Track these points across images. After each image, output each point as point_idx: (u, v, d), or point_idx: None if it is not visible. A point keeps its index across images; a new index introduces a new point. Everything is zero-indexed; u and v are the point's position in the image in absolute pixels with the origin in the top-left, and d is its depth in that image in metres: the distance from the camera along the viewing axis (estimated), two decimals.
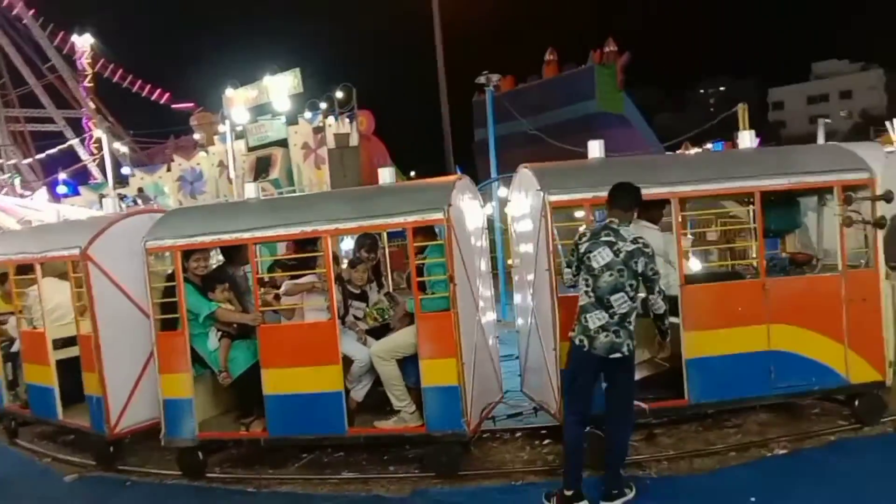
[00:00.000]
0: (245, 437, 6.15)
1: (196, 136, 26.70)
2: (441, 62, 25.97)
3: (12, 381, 7.83)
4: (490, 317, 6.58)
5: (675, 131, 25.51)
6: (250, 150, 25.51)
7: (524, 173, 6.27)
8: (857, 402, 5.97)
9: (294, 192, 25.21)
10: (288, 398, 5.89)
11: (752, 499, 4.81)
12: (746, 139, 6.42)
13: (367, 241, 6.32)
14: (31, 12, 28.81)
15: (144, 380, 6.48)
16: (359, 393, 6.18)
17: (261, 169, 25.65)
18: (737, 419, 6.20)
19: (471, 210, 6.25)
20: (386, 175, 6.43)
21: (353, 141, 24.76)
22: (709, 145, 23.72)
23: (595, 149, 6.28)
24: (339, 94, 24.69)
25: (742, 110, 16.96)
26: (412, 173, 30.07)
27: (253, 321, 6.00)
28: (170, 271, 6.26)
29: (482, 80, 24.33)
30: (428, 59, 26.17)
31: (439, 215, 5.56)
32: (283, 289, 6.19)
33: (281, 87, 25.36)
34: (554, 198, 5.60)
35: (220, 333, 6.17)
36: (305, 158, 25.23)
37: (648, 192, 5.30)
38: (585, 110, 26.33)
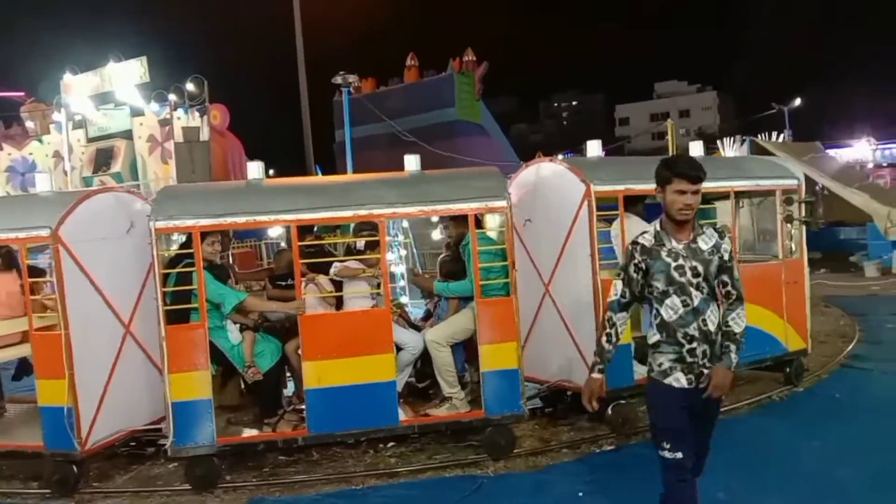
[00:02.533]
0: (278, 439, 5.72)
1: (28, 125, 24.82)
2: (301, 60, 25.39)
3: None
4: None
5: (531, 141, 25.83)
6: (90, 140, 23.96)
7: (551, 166, 6.84)
8: (788, 368, 7.57)
9: (139, 186, 23.84)
10: (334, 391, 5.67)
11: (580, 493, 5.23)
12: (594, 148, 7.20)
13: (367, 227, 6.37)
14: None
15: (112, 386, 5.80)
16: (400, 383, 6.11)
17: (101, 161, 24.22)
18: (571, 418, 6.78)
19: None
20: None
21: (204, 135, 23.76)
22: (560, 156, 23.97)
23: (594, 148, 7.04)
24: (190, 87, 23.58)
25: (670, 126, 18.13)
26: (271, 171, 29.11)
27: (296, 309, 5.73)
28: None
29: (338, 79, 23.87)
30: (289, 56, 25.40)
31: (503, 203, 5.93)
32: (332, 270, 6.06)
33: (126, 75, 23.92)
34: (599, 188, 6.29)
35: (237, 326, 5.91)
36: (151, 152, 24.02)
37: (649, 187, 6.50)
38: (445, 117, 26.40)
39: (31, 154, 23.81)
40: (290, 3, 25.24)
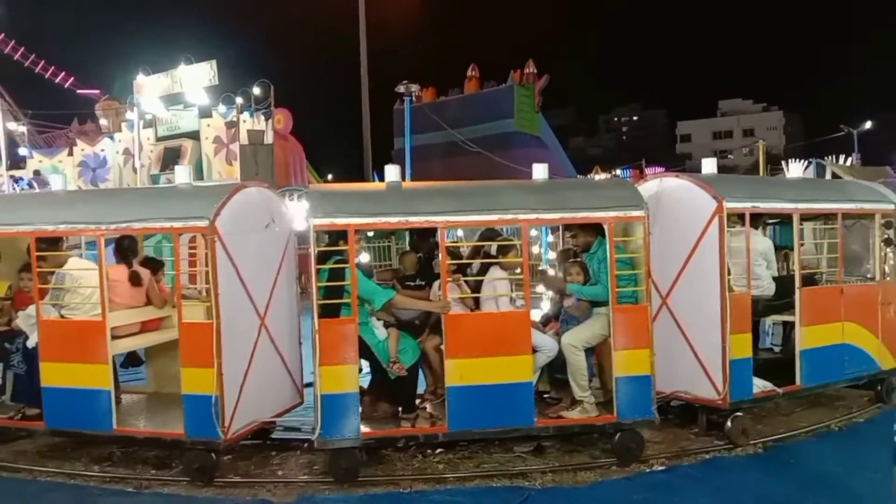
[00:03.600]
0: (419, 434, 5.81)
1: (102, 123, 25.47)
2: (364, 68, 25.67)
3: (2, 386, 6.76)
4: None
5: (588, 155, 25.66)
6: (159, 139, 24.53)
7: (676, 181, 6.95)
8: (879, 386, 7.60)
9: None
10: (475, 389, 5.72)
11: None
12: (710, 166, 7.17)
13: (493, 233, 6.51)
14: None
15: (250, 377, 5.80)
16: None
17: (169, 160, 24.70)
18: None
19: None
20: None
21: (268, 139, 24.19)
22: (618, 171, 23.89)
23: (709, 165, 7.11)
24: (257, 90, 24.03)
25: (762, 146, 17.96)
26: (329, 177, 29.45)
27: (442, 309, 5.84)
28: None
29: (401, 88, 24.10)
30: (352, 65, 25.72)
31: (641, 213, 5.99)
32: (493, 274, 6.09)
33: (195, 77, 24.46)
34: (730, 205, 6.32)
35: (381, 322, 6.01)
36: (217, 153, 24.48)
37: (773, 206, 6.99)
38: (504, 128, 26.47)
39: (102, 150, 24.41)
40: (356, 12, 25.55)
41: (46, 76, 26.99)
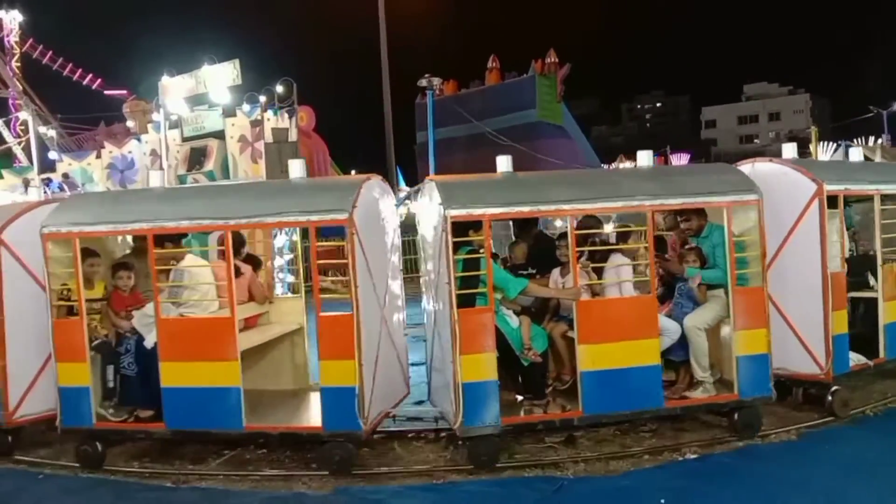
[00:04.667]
0: (556, 420, 5.79)
1: (129, 124, 25.32)
2: (385, 63, 25.47)
3: (113, 389, 6.36)
4: None
5: (612, 143, 25.54)
6: (185, 140, 24.38)
7: (769, 165, 6.89)
8: None
9: None
10: (606, 374, 5.70)
11: (662, 500, 5.02)
12: (790, 151, 7.18)
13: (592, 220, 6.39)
14: None
15: (378, 368, 5.67)
16: None
17: (195, 160, 24.59)
18: (652, 425, 6.43)
19: None
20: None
21: (292, 136, 24.05)
22: None
23: (790, 150, 7.11)
24: (280, 89, 23.92)
25: (814, 132, 17.73)
26: (352, 172, 29.37)
27: (574, 296, 5.78)
28: None
29: (423, 82, 23.94)
30: (373, 59, 25.57)
31: (755, 196, 5.96)
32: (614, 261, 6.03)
33: (219, 77, 24.31)
34: (829, 187, 6.31)
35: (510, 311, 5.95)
36: (242, 151, 24.35)
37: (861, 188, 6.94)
38: (526, 119, 26.32)
39: (130, 152, 24.25)
40: (377, 8, 25.39)
41: (74, 78, 26.81)
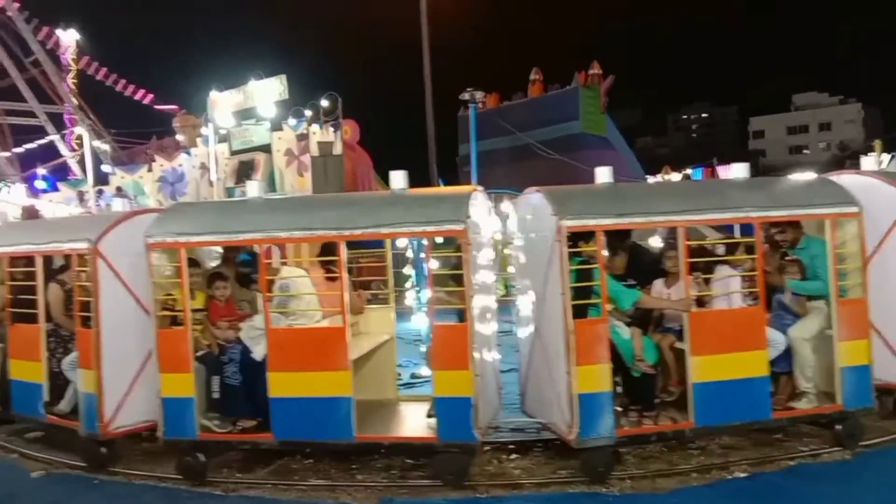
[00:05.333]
0: (668, 431, 5.76)
1: (179, 138, 25.76)
2: (428, 75, 25.57)
3: (219, 400, 6.28)
4: None
5: (657, 154, 25.24)
6: (233, 153, 24.73)
7: (858, 178, 6.73)
8: None
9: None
10: (719, 385, 5.64)
11: None
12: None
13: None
14: (16, 5, 27.73)
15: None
16: None
17: (243, 173, 24.86)
18: (700, 442, 6.27)
19: None
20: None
21: (337, 150, 24.26)
22: (689, 171, 23.53)
23: (869, 163, 7.38)
24: (325, 103, 24.14)
25: (878, 145, 17.30)
26: None
27: (686, 308, 5.73)
28: None
29: (466, 96, 24.00)
30: (415, 71, 25.68)
31: (855, 209, 5.93)
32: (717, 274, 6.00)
33: (266, 92, 24.66)
34: None
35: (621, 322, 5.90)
36: (288, 165, 24.61)
37: None
38: (569, 130, 26.23)
39: (180, 165, 24.61)
40: (419, 22, 25.56)
41: (126, 94, 27.39)
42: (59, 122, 28.13)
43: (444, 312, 5.78)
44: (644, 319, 6.39)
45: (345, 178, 24.36)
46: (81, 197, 23.21)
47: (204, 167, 24.54)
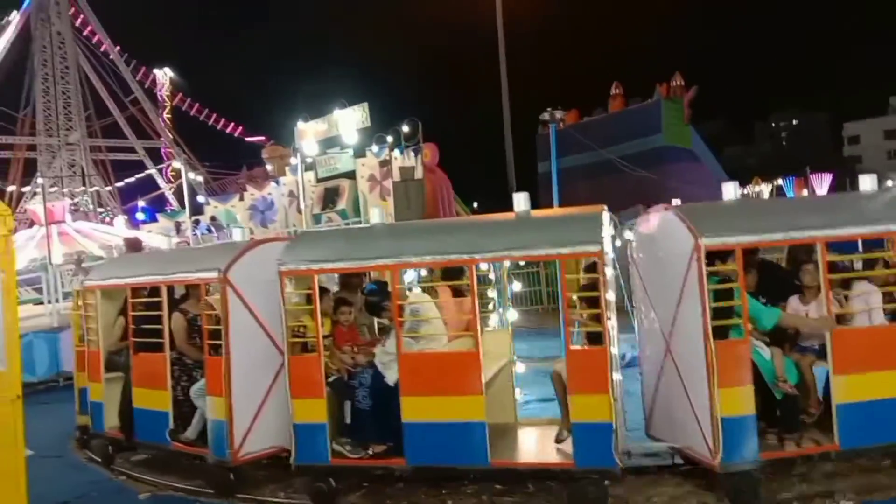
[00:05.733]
0: (815, 454, 5.57)
1: (267, 168, 26.74)
2: (506, 94, 25.62)
3: (350, 425, 6.33)
4: None
5: (746, 165, 24.45)
6: (319, 181, 25.48)
7: None
8: None
9: (360, 222, 24.97)
10: (864, 406, 5.46)
11: None
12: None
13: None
14: (117, 48, 29.61)
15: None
16: None
17: (328, 199, 25.56)
18: (802, 468, 5.92)
19: None
20: (730, 190, 6.13)
21: (418, 174, 24.60)
22: (780, 181, 22.67)
23: None
24: (406, 128, 24.57)
25: None
26: (475, 204, 29.61)
27: (828, 326, 5.55)
28: None
29: (546, 116, 23.88)
30: (493, 90, 25.82)
31: None
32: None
33: (349, 120, 25.34)
34: None
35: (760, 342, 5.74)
36: (371, 190, 25.12)
37: None
38: (652, 144, 25.80)
39: (269, 194, 25.52)
40: (496, 42, 25.76)
41: (218, 128, 28.75)
42: (155, 157, 29.81)
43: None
44: (781, 338, 6.14)
45: (426, 200, 24.71)
46: (178, 227, 24.32)
47: (292, 195, 25.32)
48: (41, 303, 16.24)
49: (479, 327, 5.67)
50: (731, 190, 6.12)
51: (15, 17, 29.83)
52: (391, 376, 5.99)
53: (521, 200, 6.21)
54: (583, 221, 5.57)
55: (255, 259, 6.60)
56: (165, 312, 7.07)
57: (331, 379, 6.19)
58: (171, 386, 7.10)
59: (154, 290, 7.39)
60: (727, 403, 5.20)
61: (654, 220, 6.17)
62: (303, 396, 6.05)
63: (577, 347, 5.40)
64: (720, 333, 5.34)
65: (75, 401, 8.78)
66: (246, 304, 6.58)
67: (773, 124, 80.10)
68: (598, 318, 5.37)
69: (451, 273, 6.69)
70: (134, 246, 15.15)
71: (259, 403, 6.54)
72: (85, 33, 29.55)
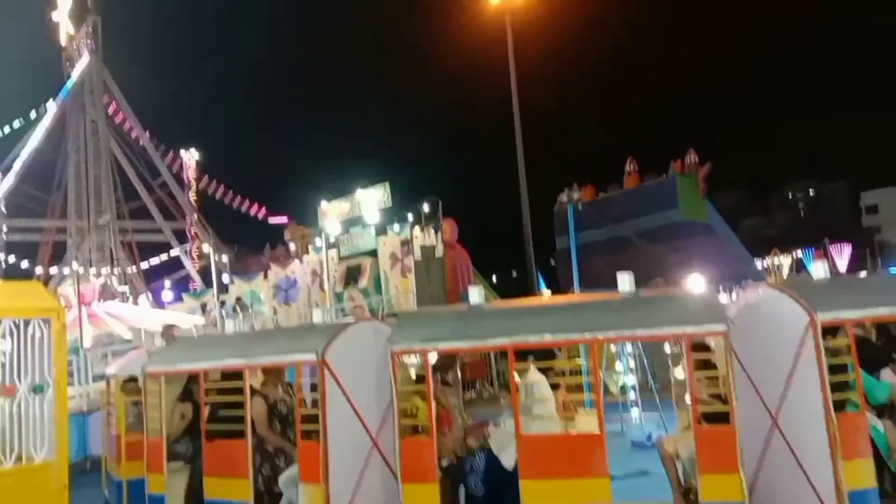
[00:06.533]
0: None
1: (290, 247, 27.19)
2: (522, 171, 26.09)
3: None
4: None
5: (763, 236, 24.51)
6: (341, 259, 25.82)
7: None
8: None
9: (381, 300, 25.14)
10: None
11: None
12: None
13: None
14: (147, 133, 30.68)
15: None
16: None
17: (350, 277, 25.84)
18: None
19: None
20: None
21: (438, 252, 24.94)
22: (798, 252, 22.76)
23: None
24: (426, 207, 25.07)
25: None
26: (493, 278, 29.72)
27: None
28: None
29: (564, 198, 24.38)
30: (509, 165, 26.36)
31: None
32: None
33: (371, 200, 25.92)
34: None
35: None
36: (393, 268, 25.40)
37: None
38: (669, 219, 26.05)
39: (293, 273, 25.88)
40: (512, 120, 26.48)
41: (243, 210, 29.39)
42: (181, 237, 30.40)
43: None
44: (886, 412, 6.13)
45: (446, 276, 24.95)
46: (204, 308, 24.53)
47: (315, 273, 25.66)
48: (70, 385, 16.28)
49: (602, 409, 5.62)
50: (820, 269, 6.25)
51: (52, 107, 31.16)
52: (508, 459, 5.85)
53: (625, 281, 6.14)
54: (703, 301, 5.65)
55: (347, 340, 6.47)
56: (248, 397, 6.76)
57: (444, 463, 6.02)
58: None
59: (227, 375, 7.15)
60: (851, 476, 5.16)
61: (753, 296, 6.19)
62: (414, 481, 5.83)
63: (705, 427, 5.38)
64: (836, 407, 5.32)
65: (103, 486, 8.61)
66: (341, 386, 6.38)
67: (790, 195, 79.72)
68: (718, 397, 5.41)
69: (543, 355, 6.62)
70: (172, 333, 15.27)
71: (352, 490, 6.30)
72: (117, 120, 30.78)
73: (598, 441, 5.48)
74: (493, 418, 6.43)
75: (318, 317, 8.06)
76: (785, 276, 26.82)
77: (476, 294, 6.57)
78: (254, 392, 6.95)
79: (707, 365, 5.57)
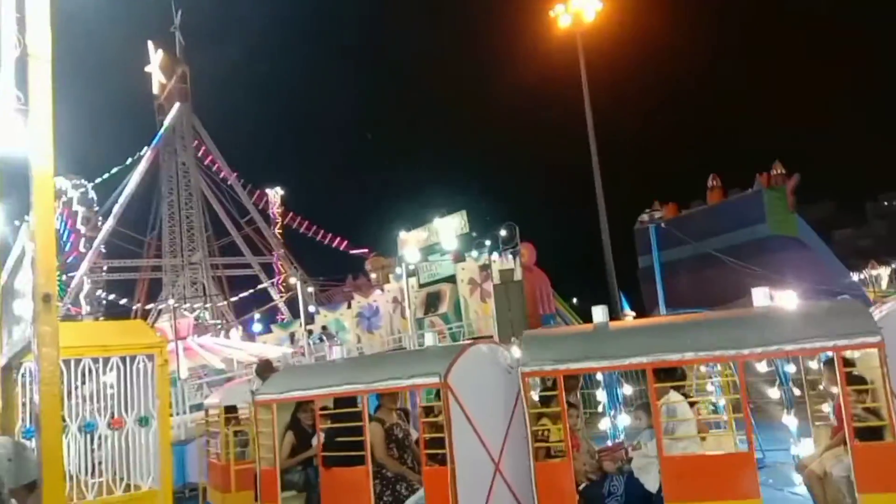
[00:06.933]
0: None
1: (372, 277, 27.73)
2: (599, 189, 25.83)
3: None
4: None
5: (858, 247, 23.29)
6: (421, 286, 26.10)
7: None
8: None
9: (461, 326, 25.25)
10: None
11: None
12: None
13: None
14: (235, 174, 32.21)
15: None
16: None
17: (430, 304, 26.07)
18: None
19: None
20: None
21: (517, 276, 24.88)
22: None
23: None
24: (503, 233, 25.12)
25: None
26: (574, 300, 29.39)
27: None
28: None
29: (646, 217, 23.95)
30: (587, 187, 26.12)
31: None
32: None
33: (449, 228, 26.20)
34: None
35: None
36: (472, 293, 25.50)
37: None
38: (756, 234, 25.17)
39: (374, 301, 26.35)
40: (587, 140, 26.32)
41: (326, 242, 30.30)
42: (268, 270, 31.56)
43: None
44: None
45: (525, 300, 24.84)
46: (293, 337, 25.22)
47: (396, 301, 26.04)
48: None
49: (751, 426, 5.49)
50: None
51: (146, 153, 33.16)
52: (651, 482, 5.71)
53: (760, 294, 5.97)
54: (854, 312, 5.38)
55: (466, 362, 6.41)
56: (366, 423, 6.67)
57: (581, 487, 5.90)
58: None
59: (339, 402, 7.10)
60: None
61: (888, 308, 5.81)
62: None
63: (866, 443, 5.10)
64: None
65: None
66: (463, 409, 6.28)
67: (886, 203, 74.86)
68: (871, 411, 5.18)
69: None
70: (268, 367, 15.77)
71: None
72: (206, 162, 32.48)
73: (748, 460, 5.26)
74: (630, 440, 6.25)
75: (429, 339, 7.94)
76: (884, 288, 25.38)
77: (600, 313, 6.34)
78: (370, 418, 6.84)
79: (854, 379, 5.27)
